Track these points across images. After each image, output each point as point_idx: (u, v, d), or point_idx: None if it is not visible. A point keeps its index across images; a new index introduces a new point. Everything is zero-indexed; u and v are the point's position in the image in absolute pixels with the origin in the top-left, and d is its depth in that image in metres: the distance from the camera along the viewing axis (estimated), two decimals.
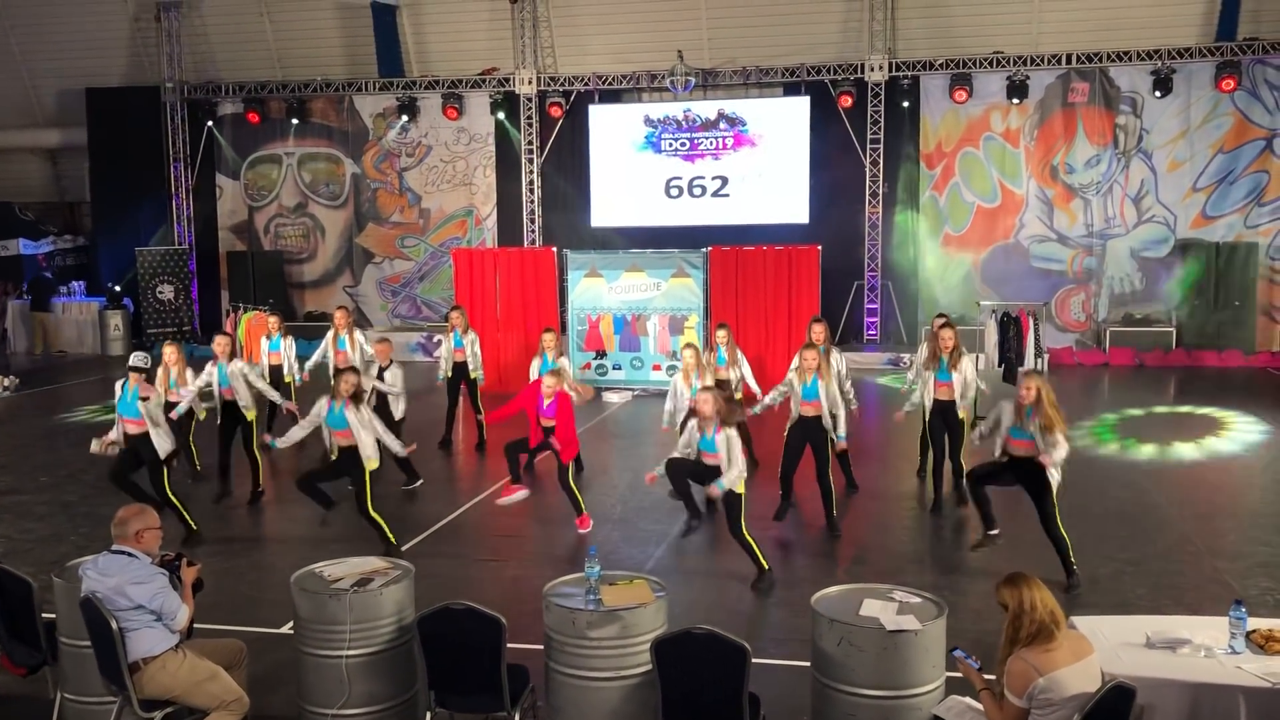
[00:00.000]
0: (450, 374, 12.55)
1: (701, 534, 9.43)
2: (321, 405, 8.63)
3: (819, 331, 10.41)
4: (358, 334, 12.25)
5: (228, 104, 22.14)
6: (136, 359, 9.08)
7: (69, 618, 5.47)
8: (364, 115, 21.78)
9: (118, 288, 21.93)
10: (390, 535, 8.64)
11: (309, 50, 21.50)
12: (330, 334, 12.25)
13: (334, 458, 8.66)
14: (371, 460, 8.58)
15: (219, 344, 10.44)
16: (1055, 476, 7.71)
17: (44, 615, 5.66)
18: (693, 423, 8.09)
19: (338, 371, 9.41)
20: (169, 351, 10.20)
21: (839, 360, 10.41)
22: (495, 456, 12.14)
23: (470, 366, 12.47)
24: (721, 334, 11.54)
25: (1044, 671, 4.29)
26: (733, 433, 7.79)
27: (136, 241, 22.06)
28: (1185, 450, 12.36)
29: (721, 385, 11.11)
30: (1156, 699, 4.66)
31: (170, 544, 6.87)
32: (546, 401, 9.39)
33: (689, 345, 11.07)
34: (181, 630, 5.14)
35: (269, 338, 12.85)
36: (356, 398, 8.62)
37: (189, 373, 10.27)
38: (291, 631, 5.77)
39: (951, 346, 10.04)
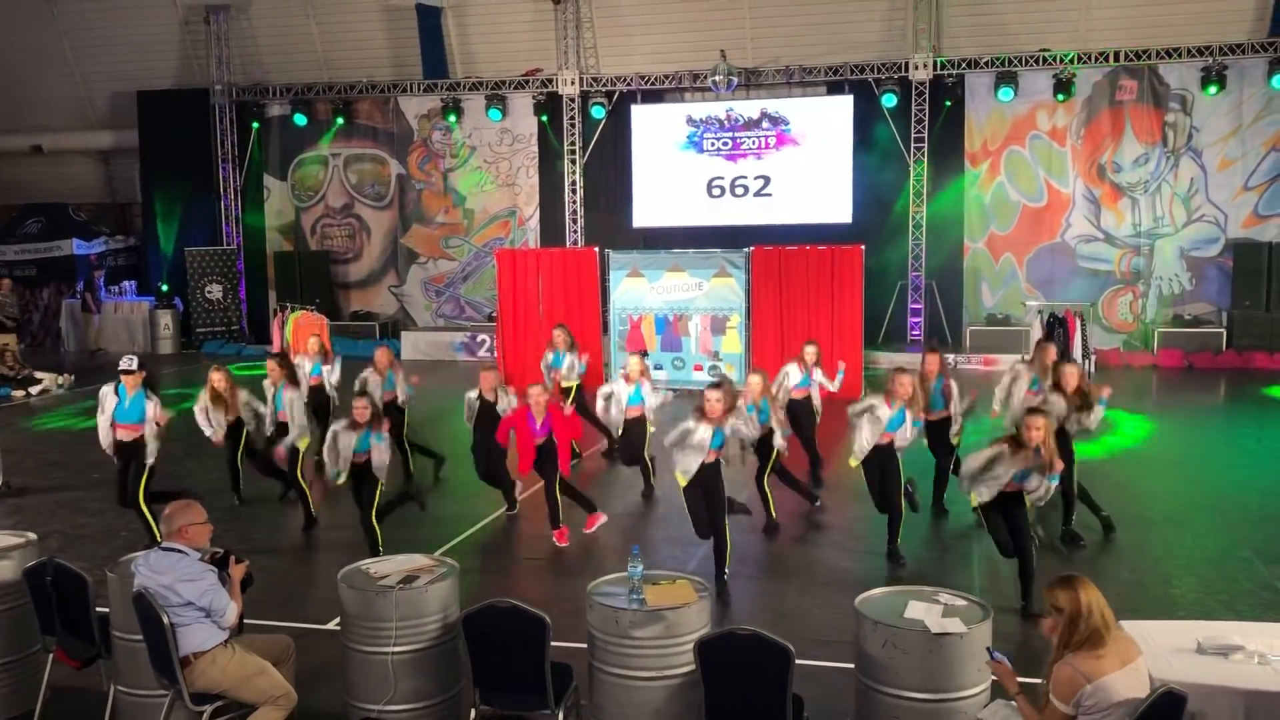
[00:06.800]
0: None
1: (744, 535, 9.40)
2: (350, 439, 8.46)
3: (933, 362, 9.30)
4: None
5: (275, 105, 22.42)
6: (126, 362, 8.95)
7: (122, 612, 5.57)
8: (409, 116, 21.96)
9: (165, 287, 22.28)
10: (380, 544, 8.54)
11: (355, 52, 21.70)
12: (370, 372, 11.00)
13: (346, 478, 8.60)
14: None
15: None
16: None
17: (98, 609, 5.76)
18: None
19: (356, 395, 8.99)
20: (217, 378, 10.15)
21: None
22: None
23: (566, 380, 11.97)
24: (810, 352, 10.61)
25: (1091, 678, 4.24)
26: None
27: (186, 242, 22.42)
28: (1237, 452, 12.15)
29: (801, 403, 10.48)
30: (1208, 706, 4.59)
31: (133, 547, 6.97)
32: (539, 420, 8.89)
33: (757, 371, 9.68)
34: (231, 626, 5.21)
35: (309, 358, 11.84)
36: (377, 421, 8.57)
37: (242, 393, 10.24)
38: (338, 628, 5.83)
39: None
